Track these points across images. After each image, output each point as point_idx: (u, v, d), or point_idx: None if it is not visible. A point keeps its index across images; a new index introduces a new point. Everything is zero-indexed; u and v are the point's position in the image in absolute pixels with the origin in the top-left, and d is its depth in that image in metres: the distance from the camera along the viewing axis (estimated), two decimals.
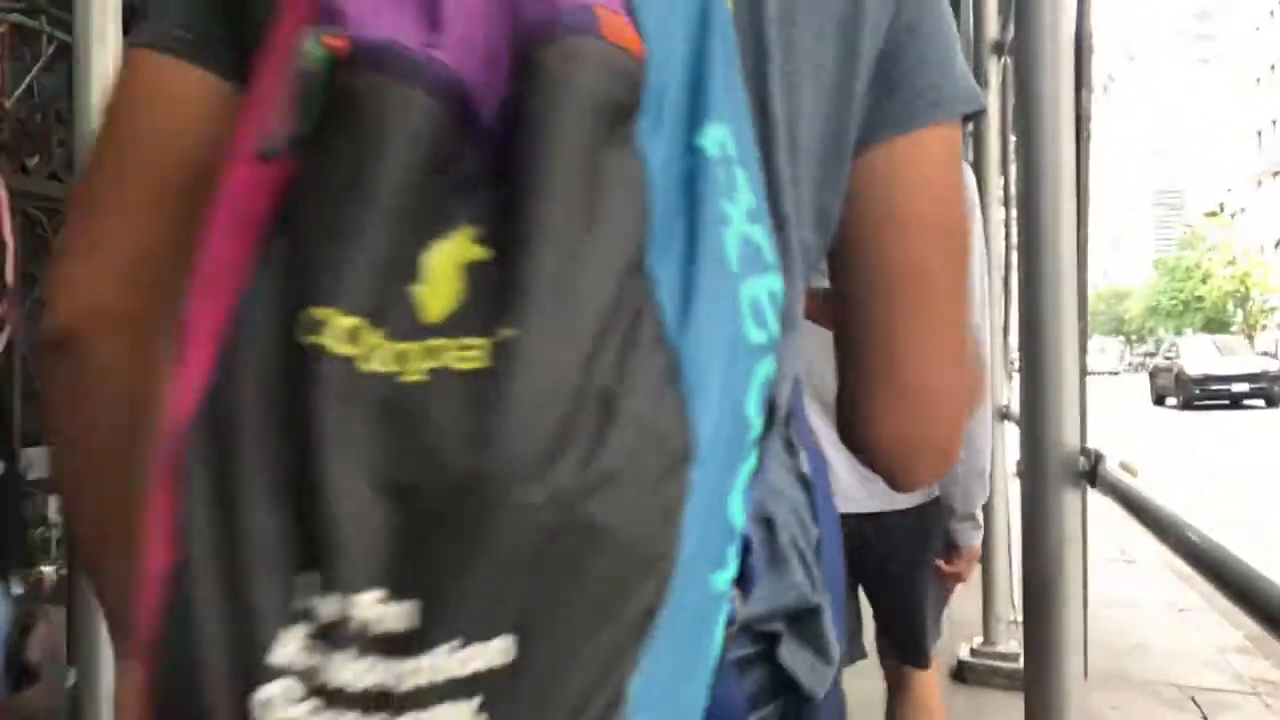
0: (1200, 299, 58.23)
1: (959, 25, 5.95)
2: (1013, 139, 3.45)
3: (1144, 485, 1.25)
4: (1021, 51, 1.48)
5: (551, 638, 0.35)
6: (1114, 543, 4.98)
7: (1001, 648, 3.34)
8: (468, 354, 0.36)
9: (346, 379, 0.35)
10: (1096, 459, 1.38)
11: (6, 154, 2.29)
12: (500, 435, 0.34)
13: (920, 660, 1.95)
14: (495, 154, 0.38)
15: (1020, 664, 2.80)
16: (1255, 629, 0.88)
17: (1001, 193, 3.79)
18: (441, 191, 0.37)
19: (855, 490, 1.71)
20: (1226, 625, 3.84)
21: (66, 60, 2.13)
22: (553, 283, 0.35)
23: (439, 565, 0.34)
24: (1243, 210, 52.12)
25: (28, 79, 8.43)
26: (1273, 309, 52.49)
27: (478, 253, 0.37)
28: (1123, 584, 4.69)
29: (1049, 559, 1.42)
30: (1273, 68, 48.56)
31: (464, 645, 0.34)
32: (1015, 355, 1.73)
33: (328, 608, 0.34)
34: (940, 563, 1.92)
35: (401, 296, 0.36)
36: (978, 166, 3.69)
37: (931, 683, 1.99)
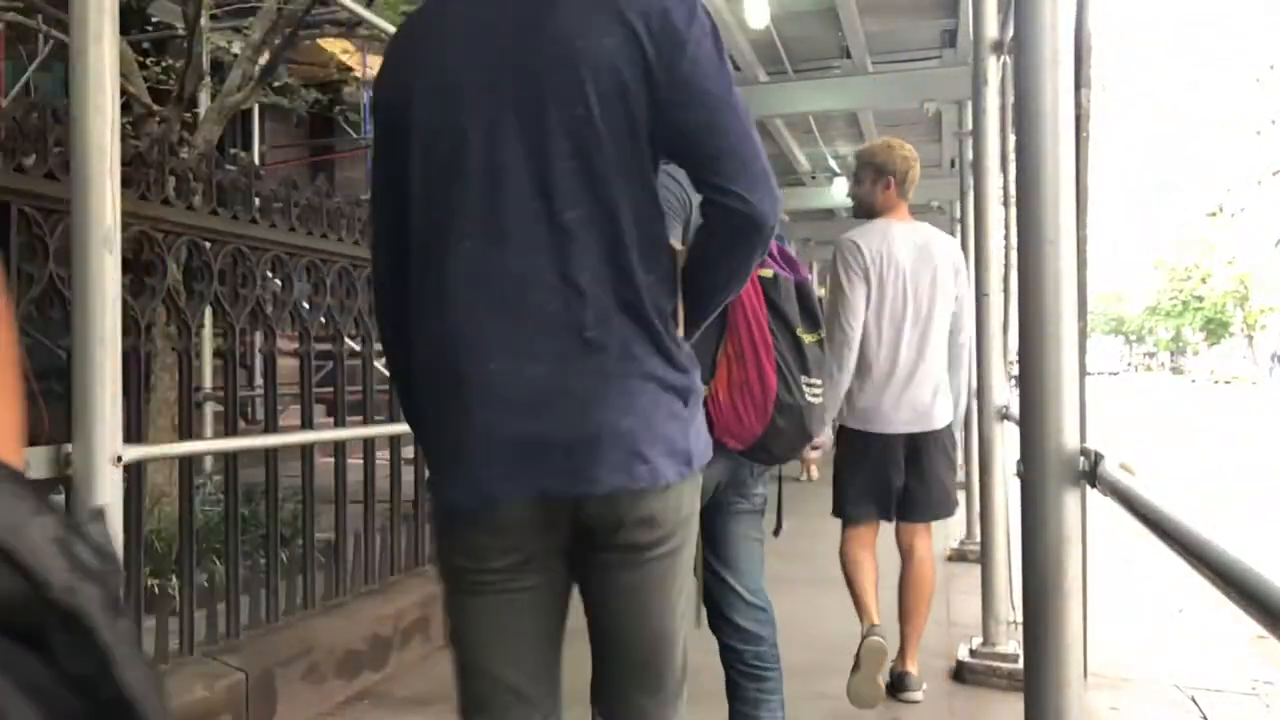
0: (1200, 299, 58.21)
1: (958, 24, 5.93)
2: (1012, 138, 3.44)
3: (1143, 485, 1.24)
4: (1021, 51, 1.48)
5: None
6: (1114, 543, 4.98)
7: (1001, 648, 3.34)
8: (817, 336, 1.97)
9: (806, 343, 1.94)
10: (1096, 459, 1.37)
11: (3, 152, 2.28)
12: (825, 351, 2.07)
13: (945, 513, 3.26)
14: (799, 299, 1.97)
15: (1020, 664, 2.80)
16: (1255, 629, 0.87)
17: (1001, 192, 3.78)
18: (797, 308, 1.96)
19: (895, 417, 3.09)
20: (1226, 625, 3.84)
21: (63, 59, 2.12)
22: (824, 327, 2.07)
23: (809, 367, 1.93)
24: (1242, 210, 52.08)
25: (24, 77, 8.41)
26: (1272, 309, 52.45)
27: (803, 326, 1.94)
28: (1122, 584, 4.69)
29: (1049, 559, 1.41)
30: (1272, 67, 48.53)
31: (819, 384, 1.97)
32: (1015, 355, 1.78)
33: (809, 379, 1.92)
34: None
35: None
36: (977, 166, 3.68)
37: (930, 545, 3.25)
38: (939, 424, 3.13)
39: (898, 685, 3.13)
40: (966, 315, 3.24)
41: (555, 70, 1.25)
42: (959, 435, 3.27)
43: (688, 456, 1.31)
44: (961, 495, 5.49)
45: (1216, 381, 45.73)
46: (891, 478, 3.13)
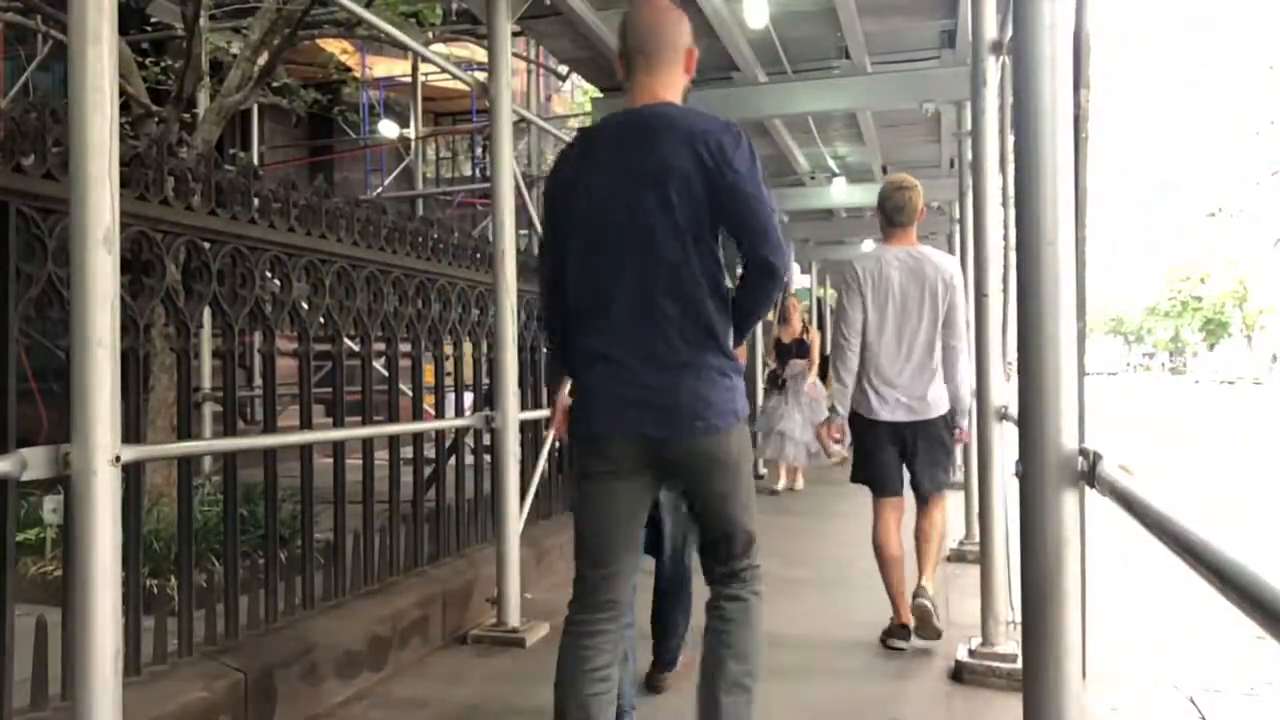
0: (1199, 299, 58.18)
1: (957, 25, 5.92)
2: (1011, 138, 3.43)
3: (1141, 485, 1.24)
4: (1020, 51, 1.48)
5: None
6: (1113, 543, 4.98)
7: (1000, 648, 3.34)
8: None
9: None
10: (1095, 459, 1.37)
11: (2, 152, 2.28)
12: None
13: (942, 487, 3.80)
14: None
15: (1019, 664, 2.80)
16: (1255, 629, 0.87)
17: (1000, 192, 3.78)
18: None
19: (901, 408, 3.67)
20: (1225, 625, 3.83)
21: (62, 59, 2.12)
22: None
23: None
24: (1242, 210, 52.08)
25: (24, 77, 8.37)
26: (1272, 309, 52.45)
27: None
28: (1121, 584, 4.69)
29: (1048, 559, 1.41)
30: (1271, 68, 48.54)
31: None
32: (1014, 356, 1.79)
33: None
34: (956, 434, 3.82)
35: None
36: (976, 166, 3.68)
37: (941, 506, 3.84)
38: (933, 414, 3.71)
39: (915, 594, 3.68)
40: (960, 322, 3.72)
41: (659, 177, 2.06)
42: (964, 424, 3.89)
43: (735, 412, 2.12)
44: (960, 496, 5.54)
45: (1224, 381, 45.61)
46: (896, 455, 3.75)
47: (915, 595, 3.67)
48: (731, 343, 2.14)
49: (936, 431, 3.73)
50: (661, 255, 2.05)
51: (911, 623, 3.68)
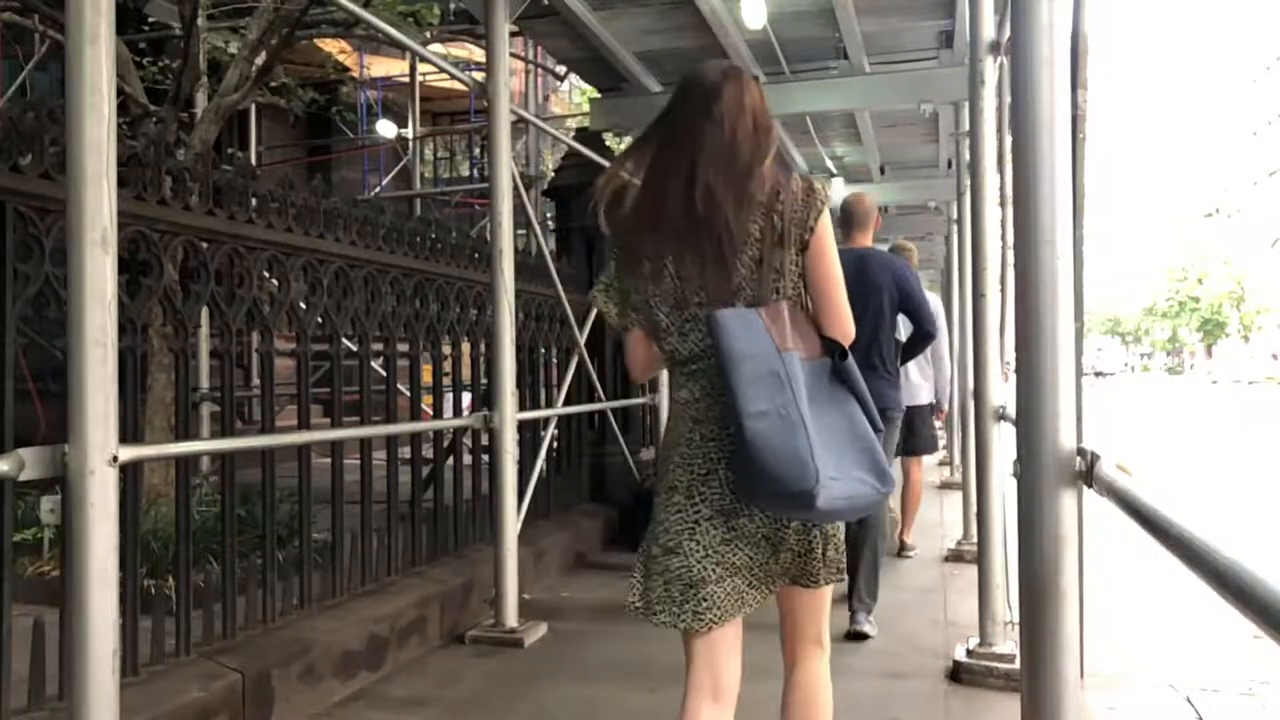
0: (1196, 300, 58.28)
1: (955, 25, 5.92)
2: (1009, 139, 3.42)
3: (1139, 485, 1.24)
4: (1018, 51, 1.48)
5: None
6: (1111, 542, 4.98)
7: (998, 648, 3.34)
8: None
9: None
10: (1093, 459, 1.37)
11: None
12: None
13: (923, 451, 5.85)
14: None
15: (1017, 665, 2.80)
16: (1253, 629, 0.87)
17: (998, 193, 3.78)
18: None
19: (904, 396, 4.59)
20: (1223, 625, 3.84)
21: (59, 58, 2.12)
22: None
23: None
24: (1239, 211, 52.17)
25: (21, 77, 8.37)
26: (1269, 309, 52.53)
27: None
28: (1119, 584, 4.69)
29: (1045, 559, 1.41)
30: (1268, 67, 48.62)
31: None
32: (1012, 356, 1.79)
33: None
34: (939, 414, 6.22)
35: None
36: (974, 167, 3.68)
37: (918, 471, 5.81)
38: (920, 401, 5.62)
39: (902, 549, 5.45)
40: (940, 332, 5.34)
41: (875, 290, 3.95)
42: (948, 407, 6.26)
43: (899, 401, 4.19)
44: (958, 496, 5.56)
45: (1251, 382, 45.34)
46: (898, 431, 5.13)
47: (903, 548, 5.46)
48: (898, 365, 4.14)
49: (925, 414, 5.75)
50: (880, 324, 3.92)
51: (913, 548, 5.50)
